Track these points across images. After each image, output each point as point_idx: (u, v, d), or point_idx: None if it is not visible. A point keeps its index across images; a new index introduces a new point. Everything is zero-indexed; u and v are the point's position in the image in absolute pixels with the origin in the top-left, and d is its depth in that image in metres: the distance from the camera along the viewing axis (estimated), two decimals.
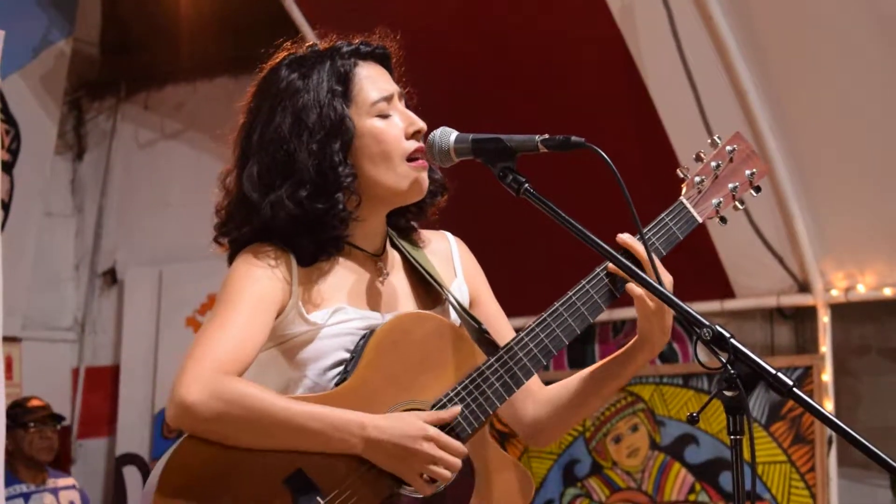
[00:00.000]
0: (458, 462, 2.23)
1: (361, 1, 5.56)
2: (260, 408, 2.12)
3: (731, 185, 2.48)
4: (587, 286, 2.38)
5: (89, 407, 7.83)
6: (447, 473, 2.21)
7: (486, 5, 5.72)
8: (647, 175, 5.37)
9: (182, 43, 7.55)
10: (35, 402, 6.23)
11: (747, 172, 2.49)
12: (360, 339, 2.30)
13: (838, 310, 5.72)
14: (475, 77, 5.83)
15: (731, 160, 2.48)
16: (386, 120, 2.37)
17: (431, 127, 2.38)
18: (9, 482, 5.74)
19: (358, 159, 2.34)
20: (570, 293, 2.37)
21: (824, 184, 5.47)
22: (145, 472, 7.47)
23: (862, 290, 5.61)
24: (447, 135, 2.29)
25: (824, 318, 5.70)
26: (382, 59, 2.45)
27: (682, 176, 2.48)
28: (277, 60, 2.43)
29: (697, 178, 2.46)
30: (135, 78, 7.97)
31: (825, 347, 5.69)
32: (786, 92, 5.33)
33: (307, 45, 2.46)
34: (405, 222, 2.50)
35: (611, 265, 2.35)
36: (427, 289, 2.48)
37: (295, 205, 2.28)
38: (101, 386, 7.80)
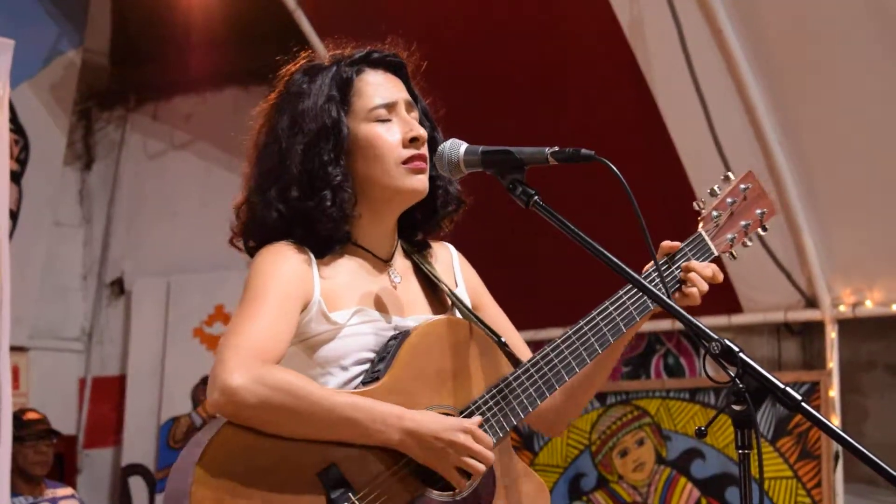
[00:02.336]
0: (491, 456, 2.25)
1: (369, 11, 5.58)
2: (302, 395, 2.14)
3: (743, 223, 2.59)
4: (624, 297, 2.43)
5: (96, 417, 7.83)
6: (481, 466, 2.24)
7: (496, 20, 5.73)
8: (656, 189, 5.37)
9: (191, 54, 7.55)
10: (32, 415, 6.03)
11: (758, 211, 2.61)
12: (391, 339, 2.32)
13: (846, 325, 5.70)
14: (484, 91, 5.83)
15: (744, 198, 2.59)
16: (384, 125, 2.39)
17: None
18: None
19: (353, 162, 2.37)
20: (607, 302, 2.42)
21: (832, 199, 5.46)
22: (151, 483, 7.46)
23: (870, 306, 5.60)
24: (457, 146, 2.30)
25: (832, 334, 5.68)
26: (394, 68, 2.47)
27: (697, 209, 2.57)
28: (296, 66, 2.47)
29: (715, 213, 2.56)
30: (144, 88, 7.98)
31: (832, 363, 5.67)
32: (795, 106, 5.32)
33: (330, 54, 2.49)
34: (418, 237, 2.53)
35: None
36: (436, 297, 2.50)
37: (284, 203, 2.33)
38: (108, 396, 7.80)
